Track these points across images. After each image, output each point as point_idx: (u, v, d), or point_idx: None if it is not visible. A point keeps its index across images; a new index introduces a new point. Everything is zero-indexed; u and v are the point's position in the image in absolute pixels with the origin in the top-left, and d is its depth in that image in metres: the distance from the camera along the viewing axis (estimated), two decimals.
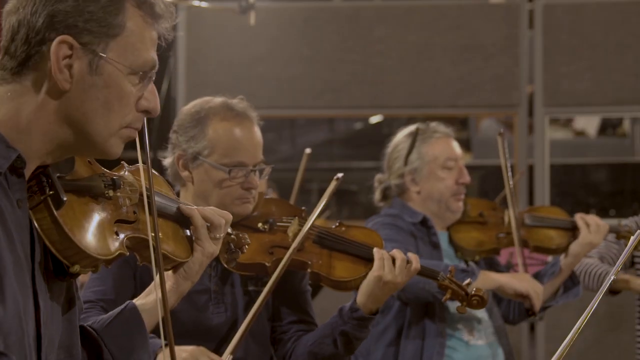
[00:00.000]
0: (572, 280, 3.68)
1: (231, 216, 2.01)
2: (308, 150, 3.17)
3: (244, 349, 2.74)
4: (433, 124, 3.67)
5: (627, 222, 4.02)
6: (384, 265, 2.74)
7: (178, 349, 2.46)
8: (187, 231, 1.94)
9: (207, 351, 2.55)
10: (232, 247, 2.12)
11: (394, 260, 2.75)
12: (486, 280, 3.42)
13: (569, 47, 5.93)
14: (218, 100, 2.79)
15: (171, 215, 1.90)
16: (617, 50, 5.90)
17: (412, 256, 2.81)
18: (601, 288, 1.94)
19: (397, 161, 3.63)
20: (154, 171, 1.82)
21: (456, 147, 3.66)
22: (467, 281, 2.92)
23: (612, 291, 4.01)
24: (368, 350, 3.51)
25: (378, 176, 3.74)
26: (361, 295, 2.75)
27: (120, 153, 1.68)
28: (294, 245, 2.70)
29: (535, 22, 6.00)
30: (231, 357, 2.59)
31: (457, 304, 2.93)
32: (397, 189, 3.65)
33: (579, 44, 5.92)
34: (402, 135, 3.69)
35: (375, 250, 2.77)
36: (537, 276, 3.62)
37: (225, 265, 2.55)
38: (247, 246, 2.15)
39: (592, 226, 3.61)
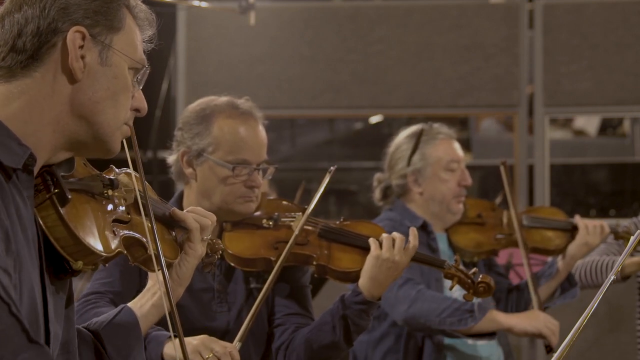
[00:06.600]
0: (569, 282, 3.69)
1: (215, 217, 2.06)
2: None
3: (245, 348, 2.74)
4: (436, 125, 3.67)
5: (627, 223, 4.02)
6: (381, 245, 2.74)
7: (188, 338, 2.50)
8: (173, 233, 2.01)
9: (217, 340, 2.54)
10: (208, 251, 2.15)
11: (392, 241, 2.75)
12: (494, 321, 3.38)
13: (569, 47, 5.92)
14: (223, 98, 2.82)
15: (159, 218, 1.96)
16: (617, 50, 5.89)
17: (411, 234, 2.80)
18: (601, 289, 1.94)
19: (400, 161, 3.63)
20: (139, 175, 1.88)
21: (459, 149, 3.67)
22: (473, 270, 2.92)
23: (624, 277, 3.96)
24: (366, 357, 3.51)
25: (377, 175, 3.74)
26: (362, 278, 2.74)
27: (119, 150, 1.75)
28: (297, 231, 2.73)
29: (535, 22, 5.99)
30: (240, 344, 2.61)
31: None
32: (399, 189, 3.65)
33: (579, 44, 5.91)
34: (404, 135, 3.69)
35: (370, 239, 2.78)
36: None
37: (202, 270, 2.54)
38: (221, 251, 2.18)
39: (590, 227, 3.61)
